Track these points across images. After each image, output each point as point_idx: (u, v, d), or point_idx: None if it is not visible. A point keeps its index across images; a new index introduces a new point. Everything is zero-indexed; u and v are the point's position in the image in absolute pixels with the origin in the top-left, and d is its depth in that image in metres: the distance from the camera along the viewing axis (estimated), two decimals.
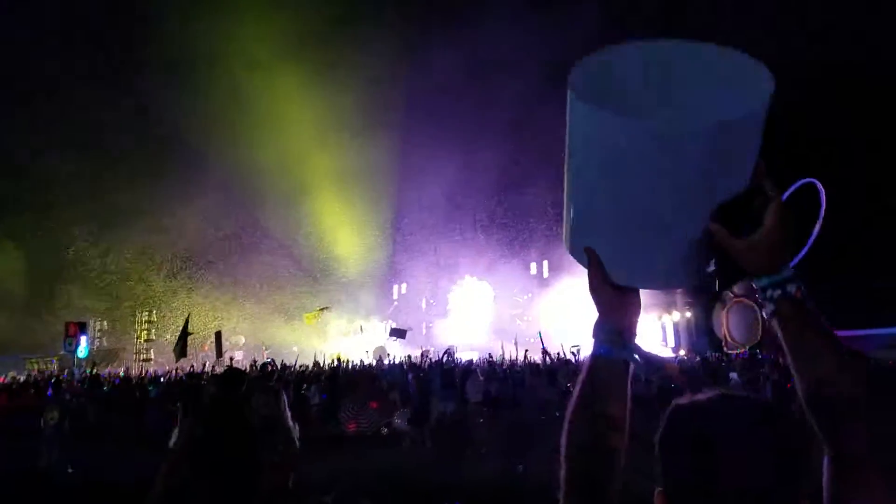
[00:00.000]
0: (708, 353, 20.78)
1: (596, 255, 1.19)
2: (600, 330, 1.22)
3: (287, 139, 34.19)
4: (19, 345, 32.72)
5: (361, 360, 21.00)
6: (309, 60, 32.15)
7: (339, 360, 20.13)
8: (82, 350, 25.97)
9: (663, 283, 1.28)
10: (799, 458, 0.99)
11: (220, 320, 32.57)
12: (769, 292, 1.07)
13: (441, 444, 11.62)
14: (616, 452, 1.15)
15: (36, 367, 31.56)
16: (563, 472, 1.16)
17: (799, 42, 22.73)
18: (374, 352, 26.81)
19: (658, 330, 30.00)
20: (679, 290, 26.94)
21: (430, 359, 16.97)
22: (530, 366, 15.98)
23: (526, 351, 18.41)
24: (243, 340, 33.93)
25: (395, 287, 38.31)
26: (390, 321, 31.69)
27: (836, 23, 23.17)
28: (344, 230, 34.98)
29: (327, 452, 9.94)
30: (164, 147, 33.42)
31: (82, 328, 26.53)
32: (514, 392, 13.35)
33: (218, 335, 18.83)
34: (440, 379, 13.53)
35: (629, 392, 1.20)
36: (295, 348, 28.24)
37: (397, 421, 13.29)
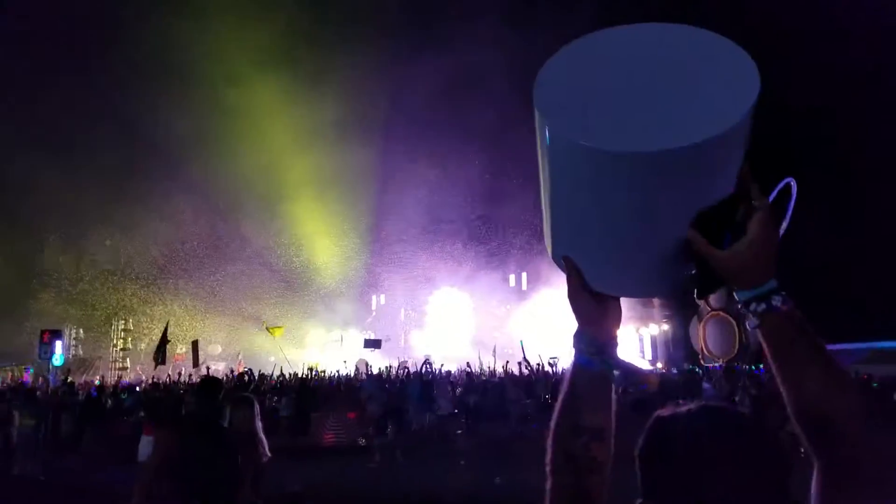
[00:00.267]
0: (685, 366, 20.94)
1: (573, 264, 1.16)
2: (579, 340, 1.19)
3: (265, 149, 34.02)
4: None
5: (338, 371, 20.77)
6: (287, 70, 32.05)
7: (311, 369, 19.90)
8: (58, 358, 25.51)
9: (642, 291, 1.26)
10: (781, 469, 0.99)
11: (196, 329, 32.10)
12: (753, 306, 1.01)
13: (418, 455, 11.55)
14: (601, 464, 1.11)
15: (10, 374, 30.86)
16: (548, 484, 1.13)
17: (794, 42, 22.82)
18: (358, 363, 26.60)
19: (636, 342, 30.21)
20: (657, 303, 27.38)
21: (409, 370, 16.86)
22: (510, 377, 15.95)
23: (507, 362, 18.38)
24: (220, 349, 33.53)
25: (374, 297, 38.13)
26: (368, 332, 31.50)
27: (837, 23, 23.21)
28: (322, 240, 34.76)
29: (298, 464, 9.79)
30: (140, 155, 32.97)
31: (57, 335, 26.05)
32: (493, 403, 13.32)
33: (195, 344, 18.62)
34: (418, 390, 13.48)
35: (613, 403, 1.16)
36: (272, 358, 27.93)
37: (374, 432, 13.19)
